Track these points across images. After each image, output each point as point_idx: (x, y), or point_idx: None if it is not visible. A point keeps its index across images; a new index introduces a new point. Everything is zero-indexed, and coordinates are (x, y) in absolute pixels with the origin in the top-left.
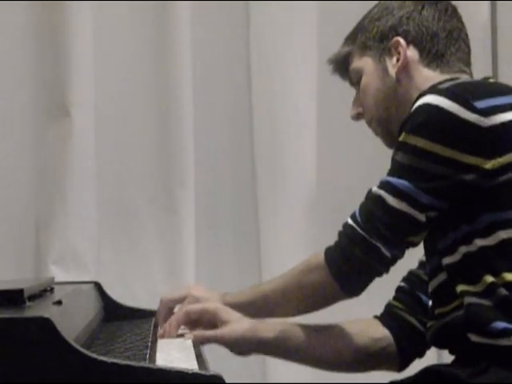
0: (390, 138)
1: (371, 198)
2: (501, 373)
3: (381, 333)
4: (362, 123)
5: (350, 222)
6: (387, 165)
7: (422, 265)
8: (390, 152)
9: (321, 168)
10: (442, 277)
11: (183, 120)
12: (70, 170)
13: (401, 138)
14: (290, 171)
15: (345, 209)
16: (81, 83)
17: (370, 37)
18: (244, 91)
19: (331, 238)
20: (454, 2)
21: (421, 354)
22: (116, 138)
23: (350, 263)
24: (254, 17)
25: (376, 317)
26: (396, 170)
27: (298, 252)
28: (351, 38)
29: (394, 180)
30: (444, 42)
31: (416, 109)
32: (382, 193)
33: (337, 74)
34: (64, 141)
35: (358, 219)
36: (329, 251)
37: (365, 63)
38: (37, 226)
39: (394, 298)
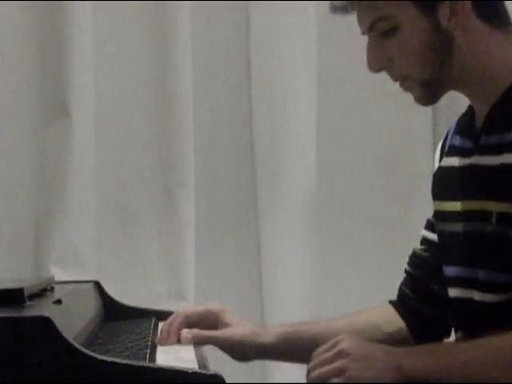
0: (430, 99)
1: None
2: None
3: (395, 325)
4: (362, 124)
5: None
6: (387, 164)
7: (425, 242)
8: (389, 151)
9: (321, 168)
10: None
11: (183, 120)
12: (70, 170)
13: None
14: (289, 171)
15: (345, 209)
16: (81, 83)
17: None
18: (244, 91)
19: (331, 238)
20: None
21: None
22: (116, 138)
23: None
24: (254, 17)
25: (391, 302)
26: None
27: (298, 252)
28: None
29: None
30: None
31: None
32: None
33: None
34: (64, 141)
35: None
36: None
37: (404, 12)
38: (37, 226)
39: (405, 285)
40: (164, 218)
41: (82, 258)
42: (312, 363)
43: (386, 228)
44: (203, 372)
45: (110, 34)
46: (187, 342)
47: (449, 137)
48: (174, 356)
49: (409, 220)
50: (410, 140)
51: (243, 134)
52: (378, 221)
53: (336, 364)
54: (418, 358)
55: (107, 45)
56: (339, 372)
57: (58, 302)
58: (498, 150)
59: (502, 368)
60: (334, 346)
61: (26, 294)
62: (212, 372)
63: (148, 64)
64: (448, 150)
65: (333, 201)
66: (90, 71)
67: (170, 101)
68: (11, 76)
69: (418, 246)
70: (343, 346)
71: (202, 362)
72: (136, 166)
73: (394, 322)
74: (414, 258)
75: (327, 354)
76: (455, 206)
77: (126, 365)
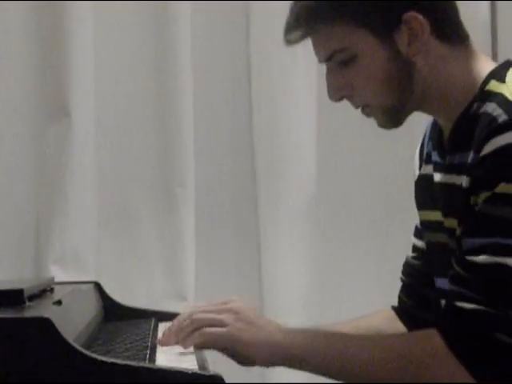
0: (394, 124)
1: (480, 268)
2: None
3: (398, 331)
4: (363, 125)
5: (466, 305)
6: (387, 164)
7: (415, 250)
8: (389, 150)
9: (321, 167)
10: None
11: (183, 120)
12: (70, 170)
13: (498, 190)
14: (290, 171)
15: (345, 208)
16: (81, 83)
17: (364, 5)
18: (244, 91)
19: (331, 237)
20: None
21: None
22: (116, 138)
23: (495, 352)
24: (254, 17)
25: (393, 308)
26: (502, 227)
27: (298, 252)
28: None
29: (506, 240)
30: (449, 8)
31: (502, 152)
32: (498, 258)
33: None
34: (64, 141)
35: (478, 298)
36: (458, 345)
37: (362, 42)
38: (37, 226)
39: (402, 293)
40: (164, 218)
41: (82, 258)
42: (199, 308)
43: (387, 228)
44: (203, 373)
45: (110, 34)
46: (188, 347)
47: (425, 142)
48: (173, 357)
49: (409, 221)
50: (411, 141)
51: (243, 134)
52: (379, 221)
53: (220, 316)
54: (299, 339)
55: (107, 45)
56: (218, 323)
57: (58, 302)
58: (461, 170)
59: (374, 363)
60: (227, 303)
61: (26, 294)
62: (211, 373)
63: (148, 64)
64: (426, 157)
65: (333, 201)
66: (90, 71)
67: (169, 101)
68: (11, 76)
69: (410, 252)
70: (235, 305)
71: (201, 363)
72: (136, 166)
73: (396, 327)
74: (407, 267)
75: (216, 307)
76: (439, 215)
77: (125, 365)
